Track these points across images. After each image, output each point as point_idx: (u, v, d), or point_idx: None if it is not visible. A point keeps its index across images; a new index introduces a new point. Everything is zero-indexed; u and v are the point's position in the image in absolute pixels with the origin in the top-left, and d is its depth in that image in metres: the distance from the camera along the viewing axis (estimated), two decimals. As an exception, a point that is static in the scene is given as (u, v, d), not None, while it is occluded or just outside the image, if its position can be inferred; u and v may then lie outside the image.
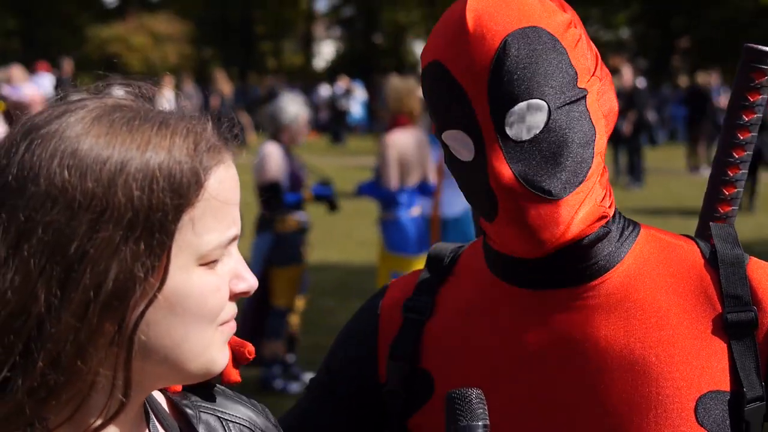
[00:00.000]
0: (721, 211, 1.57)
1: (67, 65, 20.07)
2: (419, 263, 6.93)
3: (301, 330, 7.60)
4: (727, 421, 1.41)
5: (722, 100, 23.10)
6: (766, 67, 1.53)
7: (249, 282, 1.16)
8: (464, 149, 1.42)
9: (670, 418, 1.41)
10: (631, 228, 1.50)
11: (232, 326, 1.17)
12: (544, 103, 1.38)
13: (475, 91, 1.38)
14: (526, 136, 1.39)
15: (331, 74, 39.23)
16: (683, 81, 28.61)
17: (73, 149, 1.05)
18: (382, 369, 1.58)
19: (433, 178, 7.14)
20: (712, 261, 1.48)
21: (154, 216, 1.05)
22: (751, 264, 1.47)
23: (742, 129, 1.55)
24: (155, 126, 1.09)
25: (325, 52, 52.31)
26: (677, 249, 1.50)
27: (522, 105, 1.37)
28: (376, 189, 6.98)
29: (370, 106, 30.11)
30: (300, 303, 7.36)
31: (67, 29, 38.17)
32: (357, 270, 10.88)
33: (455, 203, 7.66)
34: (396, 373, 1.55)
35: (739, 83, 1.55)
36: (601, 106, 1.45)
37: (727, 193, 1.56)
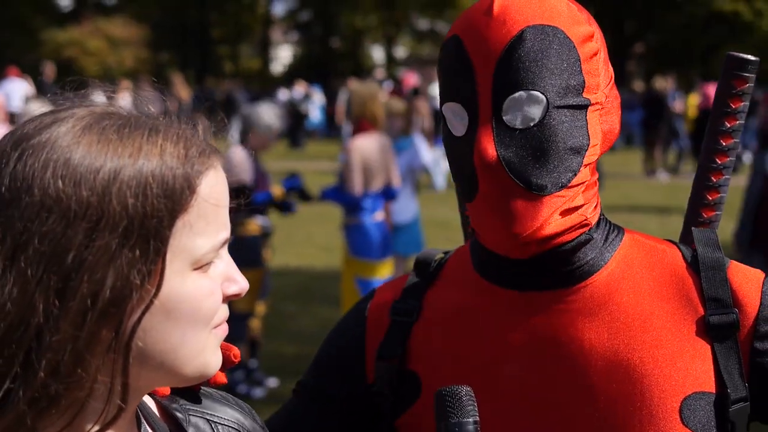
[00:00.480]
0: (705, 216, 1.59)
1: (49, 70, 19.82)
2: (383, 268, 6.99)
3: (263, 335, 7.58)
4: (713, 422, 1.43)
5: (677, 105, 23.37)
6: (747, 74, 1.56)
7: (240, 284, 1.18)
8: (459, 123, 1.46)
9: (655, 420, 1.42)
10: (615, 233, 1.53)
11: (225, 329, 1.18)
12: (544, 98, 1.41)
13: (482, 70, 1.42)
14: (519, 125, 1.42)
15: (288, 78, 39.15)
16: (638, 86, 28.89)
17: (65, 159, 1.05)
18: (370, 370, 1.59)
19: (396, 183, 7.16)
20: (693, 265, 1.50)
21: (148, 222, 1.06)
22: (731, 267, 1.50)
23: (725, 135, 1.57)
24: (145, 133, 1.10)
25: (283, 56, 52.20)
26: (660, 253, 1.53)
27: (522, 93, 1.41)
28: (340, 194, 6.98)
29: (328, 111, 30.10)
30: (261, 308, 7.34)
31: (21, 33, 37.73)
32: (318, 275, 10.86)
33: (406, 210, 7.70)
34: (383, 375, 1.57)
35: (722, 90, 1.57)
36: (602, 123, 1.48)
37: (710, 198, 1.59)
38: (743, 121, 1.57)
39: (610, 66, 1.51)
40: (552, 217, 1.42)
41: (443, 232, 12.48)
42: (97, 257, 1.04)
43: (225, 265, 1.16)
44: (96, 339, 1.06)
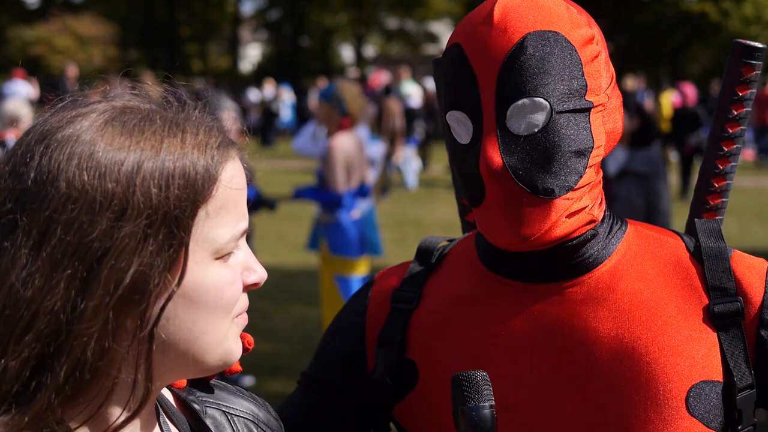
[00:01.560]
0: (711, 203, 1.60)
1: (71, 70, 19.85)
2: (361, 265, 6.98)
3: (238, 333, 7.54)
4: (719, 410, 1.44)
5: (646, 104, 23.52)
6: (754, 62, 1.57)
7: (259, 274, 1.21)
8: (464, 131, 1.46)
9: (660, 408, 1.43)
10: (618, 225, 1.54)
11: (245, 318, 1.21)
12: (547, 104, 1.41)
13: (485, 78, 1.42)
14: (524, 132, 1.42)
15: (257, 77, 39.04)
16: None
17: (90, 152, 1.08)
18: (370, 358, 1.60)
19: (369, 181, 7.15)
20: (696, 255, 1.51)
21: (171, 212, 1.09)
22: (734, 256, 1.51)
23: (732, 122, 1.58)
24: (166, 125, 1.14)
25: (252, 55, 52.08)
26: (663, 244, 1.53)
27: (525, 100, 1.41)
28: (319, 192, 6.96)
29: (298, 109, 30.04)
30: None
31: (-13, 30, 37.46)
32: (291, 273, 10.84)
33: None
34: (382, 362, 1.58)
35: (729, 78, 1.58)
36: (605, 123, 1.49)
37: (716, 185, 1.60)
38: (750, 109, 1.58)
39: (611, 66, 1.52)
40: (560, 220, 1.44)
41: (415, 231, 12.50)
42: (121, 247, 1.06)
43: (244, 254, 1.19)
44: (121, 328, 1.08)
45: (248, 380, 7.21)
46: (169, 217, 1.08)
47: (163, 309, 1.09)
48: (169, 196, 1.09)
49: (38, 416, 1.05)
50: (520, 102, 1.41)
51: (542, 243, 1.44)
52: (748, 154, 24.60)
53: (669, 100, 22.20)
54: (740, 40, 1.58)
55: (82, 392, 1.08)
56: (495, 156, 1.41)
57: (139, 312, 1.08)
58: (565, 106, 1.42)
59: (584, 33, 1.46)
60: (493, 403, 1.29)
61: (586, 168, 1.45)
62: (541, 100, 1.41)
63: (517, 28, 1.43)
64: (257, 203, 7.00)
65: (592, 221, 1.48)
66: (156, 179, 1.09)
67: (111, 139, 1.09)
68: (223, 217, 1.14)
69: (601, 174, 1.50)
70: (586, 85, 1.44)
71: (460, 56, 1.45)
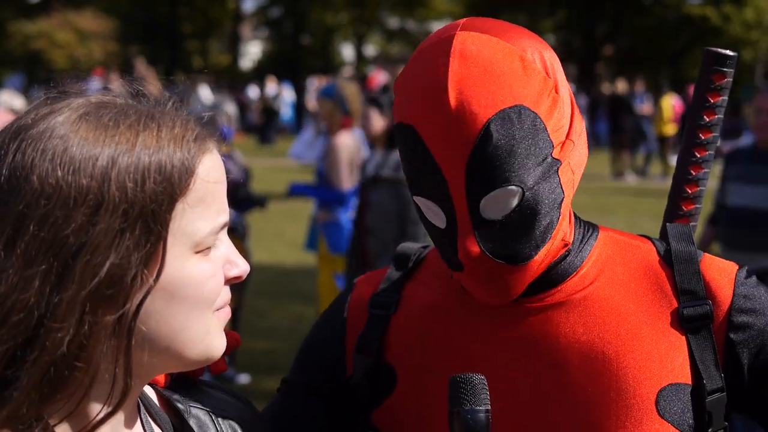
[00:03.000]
0: (685, 209, 1.61)
1: (140, 65, 19.82)
2: (358, 263, 6.97)
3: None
4: (689, 413, 1.45)
5: (645, 108, 23.48)
6: (725, 69, 1.59)
7: (241, 267, 1.20)
8: (436, 218, 1.44)
9: (631, 411, 1.44)
10: (590, 232, 1.55)
11: (227, 312, 1.20)
12: (519, 189, 1.38)
13: (451, 172, 1.38)
14: (498, 217, 1.40)
15: (257, 75, 38.98)
16: (607, 88, 29.02)
17: (63, 147, 1.07)
18: (349, 363, 1.60)
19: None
20: (666, 258, 1.52)
21: (148, 206, 1.08)
22: (704, 260, 1.52)
23: (704, 129, 1.60)
24: (142, 120, 1.12)
25: (252, 52, 51.96)
26: (634, 248, 1.54)
27: (498, 191, 1.38)
28: (321, 190, 6.97)
29: (298, 107, 30.02)
30: (231, 303, 7.30)
31: (-11, 24, 37.37)
32: (288, 271, 10.84)
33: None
34: (361, 367, 1.57)
35: (701, 85, 1.60)
36: (573, 166, 1.46)
37: (689, 191, 1.61)
38: (722, 116, 1.60)
39: (566, 88, 1.46)
40: (539, 268, 1.46)
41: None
42: (96, 242, 1.05)
43: (225, 248, 1.18)
44: (98, 323, 1.07)
45: (244, 378, 7.22)
46: (145, 212, 1.08)
47: (141, 304, 1.08)
48: (145, 190, 1.08)
49: (15, 413, 1.04)
50: (492, 193, 1.38)
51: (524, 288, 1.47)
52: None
53: (669, 103, 22.18)
54: (711, 48, 1.60)
55: (61, 388, 1.07)
56: (473, 246, 1.40)
57: (117, 307, 1.07)
58: (536, 180, 1.39)
59: (539, 86, 1.39)
60: (489, 408, 1.29)
61: (559, 218, 1.44)
62: (513, 187, 1.38)
63: (477, 113, 1.34)
64: (247, 203, 7.01)
65: (565, 245, 1.49)
66: (131, 173, 1.08)
67: (85, 134, 1.08)
68: (202, 211, 1.13)
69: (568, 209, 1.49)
70: (552, 146, 1.41)
71: (417, 143, 1.38)
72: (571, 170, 1.45)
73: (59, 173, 1.06)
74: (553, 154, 1.41)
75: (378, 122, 6.32)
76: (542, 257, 1.45)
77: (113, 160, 1.07)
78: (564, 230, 1.47)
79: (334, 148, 6.87)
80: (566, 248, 1.50)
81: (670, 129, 21.66)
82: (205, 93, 18.24)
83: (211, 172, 1.15)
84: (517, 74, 1.37)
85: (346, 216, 6.87)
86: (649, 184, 20.03)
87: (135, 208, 1.07)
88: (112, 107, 1.13)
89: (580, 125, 1.48)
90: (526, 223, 1.41)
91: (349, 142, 6.88)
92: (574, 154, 1.46)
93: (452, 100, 1.34)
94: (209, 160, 1.16)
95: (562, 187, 1.43)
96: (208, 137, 1.18)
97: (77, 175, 1.06)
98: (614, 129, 21.63)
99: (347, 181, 6.85)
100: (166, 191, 1.09)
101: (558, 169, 1.42)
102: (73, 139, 1.08)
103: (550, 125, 1.40)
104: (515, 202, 1.39)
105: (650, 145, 22.50)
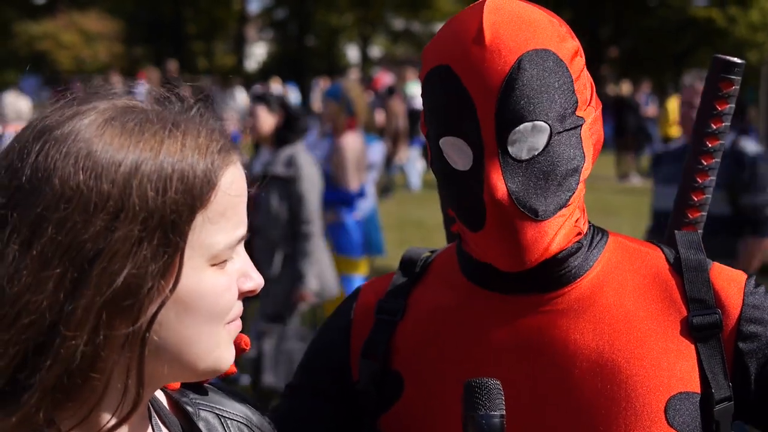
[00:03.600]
0: (690, 217, 1.62)
1: (172, 66, 19.83)
2: (363, 265, 7.00)
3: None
4: (698, 422, 1.45)
5: (650, 109, 23.45)
6: (733, 77, 1.58)
7: (256, 281, 1.19)
8: (461, 158, 1.44)
9: (640, 420, 1.44)
10: (599, 236, 1.55)
11: (238, 324, 1.19)
12: (548, 127, 1.41)
13: (483, 105, 1.39)
14: (525, 156, 1.41)
15: (262, 76, 38.95)
16: (611, 90, 28.99)
17: (87, 151, 1.06)
18: (355, 369, 1.59)
19: (366, 181, 7.18)
20: (676, 266, 1.52)
21: (168, 217, 1.07)
22: (713, 269, 1.52)
23: (711, 137, 1.59)
24: (167, 128, 1.11)
25: (257, 53, 51.99)
26: (643, 255, 1.54)
27: (527, 125, 1.40)
28: (327, 192, 6.96)
29: (303, 108, 29.99)
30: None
31: (-6, 25, 37.42)
32: (292, 272, 10.80)
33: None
34: (367, 373, 1.57)
35: (708, 93, 1.59)
36: (591, 136, 1.48)
37: (696, 199, 1.61)
38: (729, 123, 1.59)
39: (588, 74, 1.51)
40: (555, 237, 1.44)
41: (418, 232, 12.49)
42: (114, 249, 1.04)
43: (241, 261, 1.17)
44: (112, 332, 1.06)
45: (246, 379, 7.20)
46: (165, 222, 1.07)
47: (156, 314, 1.08)
48: (166, 200, 1.07)
49: (27, 418, 1.04)
50: (521, 127, 1.40)
51: (539, 261, 1.45)
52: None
53: (675, 105, 22.15)
54: (719, 56, 1.59)
55: (73, 395, 1.06)
56: (500, 184, 1.40)
57: (131, 316, 1.06)
58: (562, 126, 1.42)
59: (571, 46, 1.44)
60: (504, 413, 1.29)
61: (578, 184, 1.45)
62: (542, 123, 1.41)
63: (511, 48, 1.39)
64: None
65: (579, 233, 1.50)
66: (153, 182, 1.07)
67: (110, 139, 1.07)
68: (222, 224, 1.12)
69: (584, 189, 1.51)
70: (577, 102, 1.44)
71: (451, 79, 1.41)
72: (590, 138, 1.47)
73: (81, 177, 1.05)
74: (577, 111, 1.43)
75: (266, 120, 6.26)
76: (560, 225, 1.44)
77: (136, 167, 1.07)
78: (579, 212, 1.48)
79: (341, 148, 6.87)
80: (579, 237, 1.50)
81: (675, 131, 21.59)
82: (241, 97, 18.30)
83: (233, 185, 1.14)
84: (547, 26, 1.44)
85: (352, 217, 6.87)
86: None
87: (155, 217, 1.06)
88: (138, 113, 1.12)
89: (598, 102, 1.51)
90: (549, 172, 1.42)
91: (355, 143, 6.89)
92: (594, 123, 1.48)
93: (487, 36, 1.39)
94: (232, 173, 1.15)
95: (583, 151, 1.45)
96: (232, 149, 1.16)
97: (99, 180, 1.05)
98: (619, 131, 21.60)
99: (354, 181, 6.85)
100: (186, 202, 1.08)
101: (581, 128, 1.44)
102: (97, 144, 1.07)
103: (576, 83, 1.44)
104: (542, 142, 1.41)
105: (655, 146, 22.47)
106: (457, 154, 1.44)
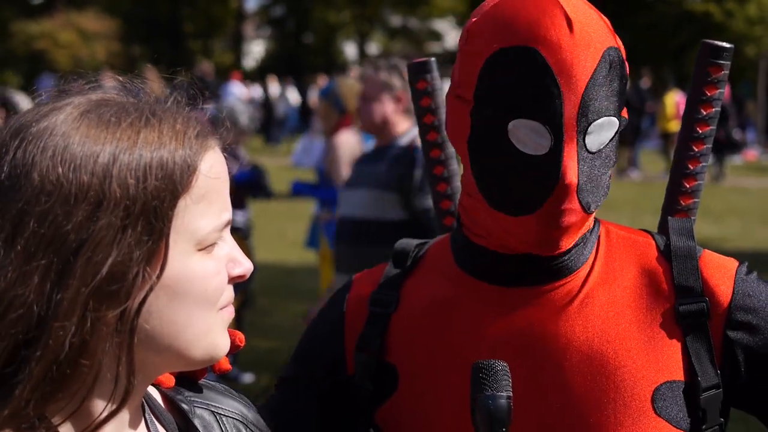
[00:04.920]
0: (683, 204, 1.61)
1: (206, 66, 20.10)
2: (358, 262, 6.98)
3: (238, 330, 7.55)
4: (684, 410, 1.45)
5: (648, 105, 23.47)
6: (722, 62, 1.58)
7: (244, 266, 1.19)
8: (534, 141, 1.42)
9: (628, 410, 1.44)
10: (593, 227, 1.54)
11: (231, 311, 1.19)
12: (618, 124, 1.45)
13: (571, 93, 1.40)
14: (595, 149, 1.44)
15: (260, 74, 39.01)
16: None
17: (65, 144, 1.07)
18: (350, 362, 1.59)
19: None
20: (666, 253, 1.52)
21: (150, 204, 1.08)
22: (703, 256, 1.52)
23: (701, 123, 1.59)
24: (143, 117, 1.12)
25: (255, 51, 52.00)
26: (634, 243, 1.54)
27: (605, 119, 1.43)
28: (320, 189, 6.97)
29: (302, 106, 30.03)
30: (235, 302, 7.31)
31: (-9, 24, 37.41)
32: (291, 270, 10.85)
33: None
34: (362, 366, 1.57)
35: (697, 78, 1.59)
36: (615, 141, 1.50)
37: (687, 186, 1.61)
38: (719, 109, 1.59)
39: None
40: (580, 231, 1.47)
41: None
42: (98, 239, 1.05)
43: (229, 246, 1.18)
44: (100, 321, 1.06)
45: (248, 377, 7.22)
46: (147, 209, 1.07)
47: (143, 301, 1.08)
48: (147, 187, 1.08)
49: (18, 411, 1.04)
50: (600, 120, 1.42)
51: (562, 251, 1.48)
52: (751, 154, 24.54)
53: (673, 100, 22.18)
54: (708, 41, 1.59)
55: (63, 387, 1.07)
56: (574, 173, 1.41)
57: (119, 304, 1.07)
58: (621, 124, 1.46)
59: (622, 47, 1.48)
60: (511, 395, 1.29)
61: (608, 184, 1.48)
62: (615, 119, 1.44)
63: (597, 42, 1.42)
64: (257, 187, 7.03)
65: (587, 227, 1.51)
66: (133, 170, 1.07)
67: (86, 132, 1.08)
68: (205, 208, 1.13)
69: None
70: (624, 102, 1.48)
71: (540, 63, 1.40)
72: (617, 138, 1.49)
73: (60, 170, 1.06)
74: (622, 113, 1.47)
75: None
76: (590, 223, 1.48)
77: (114, 156, 1.07)
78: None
79: (334, 146, 6.87)
80: (587, 230, 1.51)
81: (674, 126, 21.64)
82: (237, 90, 18.52)
83: (213, 169, 1.15)
84: (607, 23, 1.47)
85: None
86: (653, 180, 20.01)
87: (137, 204, 1.07)
88: (113, 105, 1.13)
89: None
90: (605, 167, 1.45)
91: (349, 140, 6.88)
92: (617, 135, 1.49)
93: (577, 27, 1.40)
94: (211, 157, 1.16)
95: (616, 150, 1.49)
96: (210, 134, 1.18)
97: (78, 172, 1.06)
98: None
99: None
100: (167, 188, 1.09)
101: (619, 128, 1.47)
102: (74, 137, 1.08)
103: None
104: (609, 137, 1.44)
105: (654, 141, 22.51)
106: (531, 137, 1.43)
